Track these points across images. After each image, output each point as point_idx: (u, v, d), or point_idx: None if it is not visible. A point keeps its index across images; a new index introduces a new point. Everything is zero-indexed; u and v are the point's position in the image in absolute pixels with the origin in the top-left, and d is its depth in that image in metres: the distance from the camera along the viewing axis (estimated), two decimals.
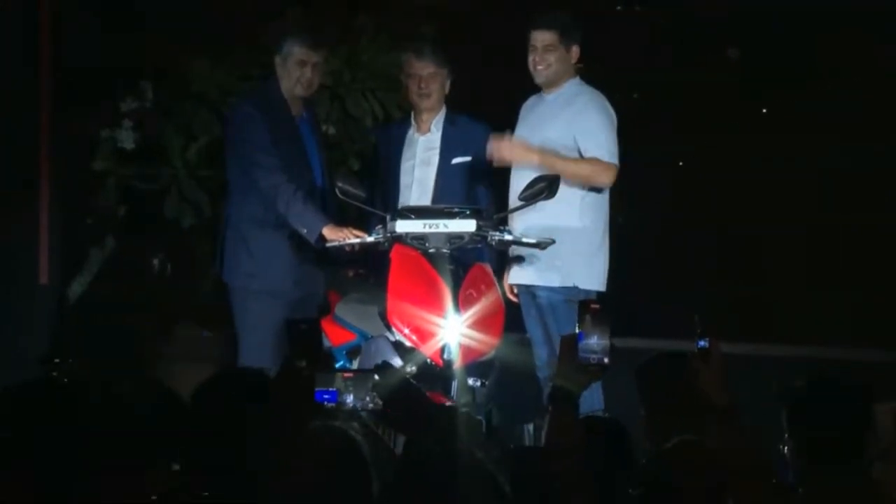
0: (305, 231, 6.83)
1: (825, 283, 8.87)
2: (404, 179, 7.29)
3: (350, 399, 4.62)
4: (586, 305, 4.03)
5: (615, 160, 6.94)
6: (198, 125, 8.17)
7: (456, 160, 7.26)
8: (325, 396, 4.58)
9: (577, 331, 4.00)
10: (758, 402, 4.52)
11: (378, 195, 7.29)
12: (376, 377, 4.45)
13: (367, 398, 4.68)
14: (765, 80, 9.24)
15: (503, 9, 8.48)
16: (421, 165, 7.31)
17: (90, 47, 7.85)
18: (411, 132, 7.37)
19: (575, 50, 7.05)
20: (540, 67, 7.04)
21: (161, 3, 8.12)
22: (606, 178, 6.95)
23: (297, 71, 7.04)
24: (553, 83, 7.08)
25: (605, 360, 3.98)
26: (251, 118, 7.00)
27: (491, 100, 7.91)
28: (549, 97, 7.11)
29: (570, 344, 4.01)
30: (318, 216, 6.85)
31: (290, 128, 7.10)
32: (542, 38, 7.03)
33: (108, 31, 7.92)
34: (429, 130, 7.33)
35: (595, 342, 3.98)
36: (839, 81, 8.98)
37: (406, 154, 7.33)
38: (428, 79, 7.22)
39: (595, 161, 6.92)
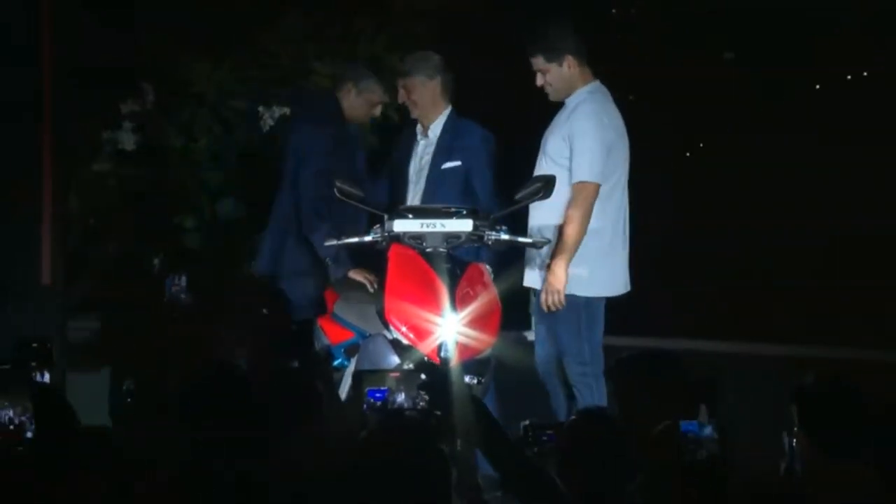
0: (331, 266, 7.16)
1: (826, 283, 8.87)
2: (404, 178, 7.42)
3: (401, 398, 4.67)
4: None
5: (595, 178, 6.85)
6: (198, 126, 8.20)
7: (446, 165, 7.33)
8: (377, 395, 4.63)
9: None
10: (759, 402, 4.55)
11: (383, 193, 7.44)
12: (423, 376, 4.54)
13: (416, 396, 4.72)
14: (765, 80, 9.25)
15: (502, 10, 8.49)
16: (417, 167, 7.40)
17: (91, 48, 7.88)
18: (418, 134, 7.49)
19: (569, 60, 6.96)
20: (546, 90, 7.01)
21: (162, 4, 8.16)
22: (592, 197, 6.87)
23: (367, 108, 7.46)
24: (565, 95, 7.04)
25: None
26: (335, 151, 7.25)
27: (489, 100, 7.93)
28: (565, 104, 7.07)
29: None
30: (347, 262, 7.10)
31: (352, 145, 7.43)
32: (533, 62, 6.99)
33: (108, 32, 7.95)
34: (427, 134, 7.42)
35: None
36: (839, 81, 8.98)
37: (412, 153, 7.46)
38: (407, 89, 7.36)
39: (577, 191, 6.84)
